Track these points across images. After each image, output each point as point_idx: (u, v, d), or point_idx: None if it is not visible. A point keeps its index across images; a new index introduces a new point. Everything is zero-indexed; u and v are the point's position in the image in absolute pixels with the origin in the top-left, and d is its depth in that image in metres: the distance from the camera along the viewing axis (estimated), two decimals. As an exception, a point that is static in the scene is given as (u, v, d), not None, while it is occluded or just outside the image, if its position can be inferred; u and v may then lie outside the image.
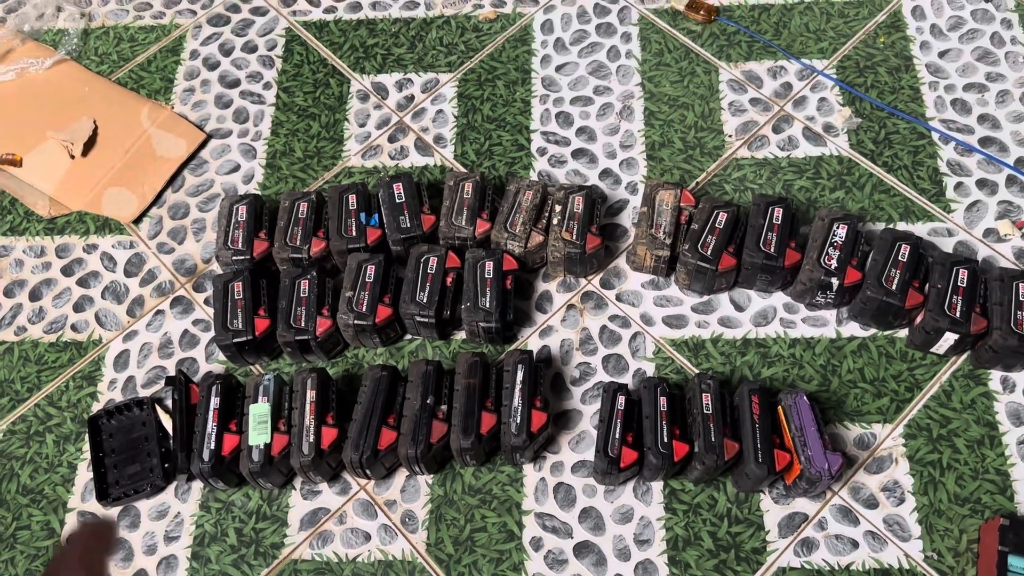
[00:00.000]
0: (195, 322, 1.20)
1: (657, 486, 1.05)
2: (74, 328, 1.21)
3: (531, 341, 1.16)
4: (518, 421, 1.02)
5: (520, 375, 1.05)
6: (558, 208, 1.16)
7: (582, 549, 1.03)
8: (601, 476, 1.03)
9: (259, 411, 1.05)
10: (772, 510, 1.03)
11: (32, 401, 1.16)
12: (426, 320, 1.11)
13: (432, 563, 1.03)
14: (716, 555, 1.01)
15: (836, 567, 1.00)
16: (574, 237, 1.14)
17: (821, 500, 1.03)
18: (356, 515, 1.06)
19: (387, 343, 1.16)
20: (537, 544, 1.03)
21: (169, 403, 1.13)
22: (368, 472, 1.05)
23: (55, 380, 1.18)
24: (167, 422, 1.11)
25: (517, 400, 1.03)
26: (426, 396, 1.05)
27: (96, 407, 1.15)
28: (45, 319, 1.22)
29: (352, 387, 1.13)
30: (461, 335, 1.17)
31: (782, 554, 1.01)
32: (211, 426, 1.05)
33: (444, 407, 1.05)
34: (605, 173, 1.28)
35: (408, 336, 1.18)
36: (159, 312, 1.21)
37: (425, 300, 1.11)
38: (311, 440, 1.03)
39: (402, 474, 1.08)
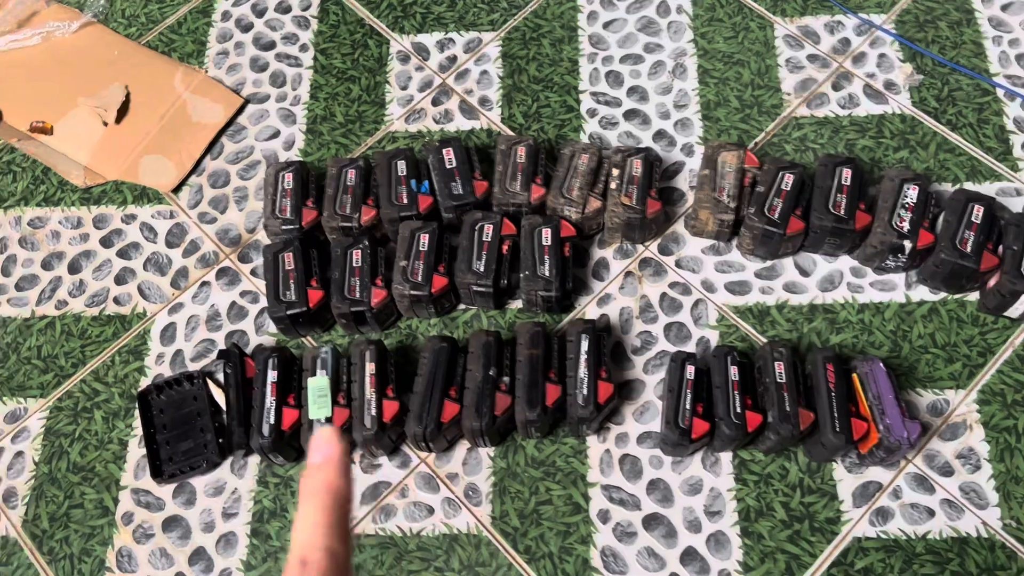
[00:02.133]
0: (243, 293, 1.17)
1: (726, 456, 1.03)
2: (117, 301, 1.18)
3: (589, 309, 1.13)
4: (585, 392, 0.99)
5: (584, 345, 1.02)
6: (615, 172, 1.12)
7: (651, 521, 1.00)
8: (671, 448, 1.00)
9: (318, 384, 1.02)
10: (845, 479, 1.01)
11: (77, 377, 1.14)
12: (484, 290, 1.08)
13: (498, 536, 1.01)
14: (790, 526, 0.99)
15: (913, 536, 0.98)
16: (634, 202, 1.10)
17: (895, 468, 1.01)
18: (418, 488, 1.04)
19: (441, 313, 1.13)
20: (605, 516, 1.01)
21: (220, 377, 1.10)
22: (431, 445, 1.03)
23: (100, 355, 1.15)
24: (219, 396, 1.09)
25: (583, 371, 1.01)
26: (488, 367, 1.02)
27: (144, 382, 1.12)
28: (86, 292, 1.19)
29: (406, 358, 1.10)
30: (516, 304, 1.14)
31: (857, 524, 0.99)
32: (270, 400, 1.02)
33: (506, 378, 1.02)
34: (659, 134, 1.24)
35: (461, 305, 1.14)
36: (204, 284, 1.18)
37: (482, 269, 1.08)
38: (373, 414, 1.00)
39: (463, 447, 1.06)
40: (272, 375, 1.03)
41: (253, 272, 1.18)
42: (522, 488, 1.03)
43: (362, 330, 1.12)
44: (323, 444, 0.42)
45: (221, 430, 1.07)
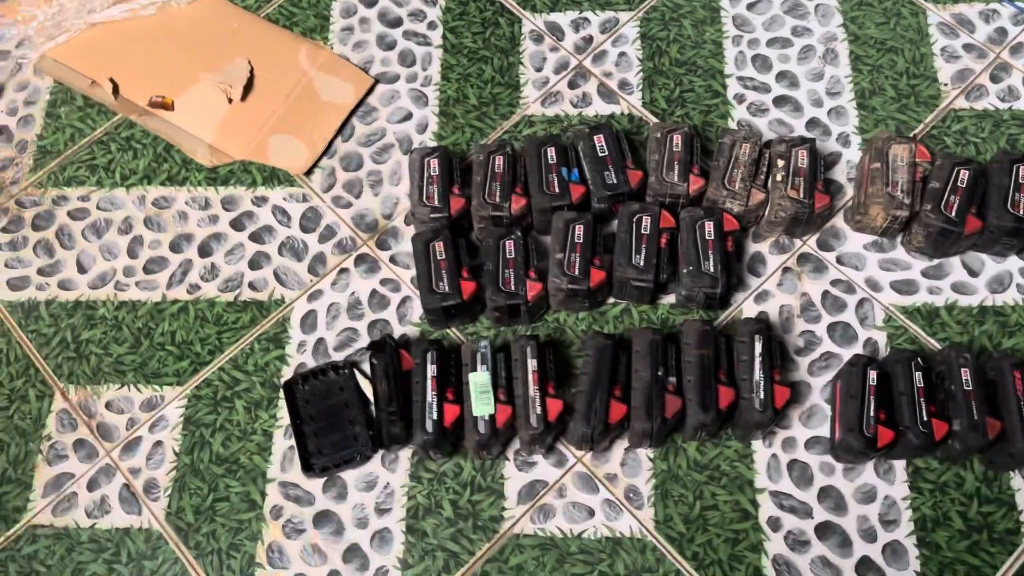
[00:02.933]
0: (383, 281, 1.13)
1: (900, 464, 0.99)
2: (252, 287, 1.15)
3: (746, 306, 1.09)
4: (762, 397, 0.96)
5: (759, 346, 0.98)
6: (780, 163, 1.08)
7: (824, 530, 0.97)
8: (852, 456, 0.97)
9: (481, 380, 0.99)
10: (1023, 489, 0.98)
11: (215, 364, 1.10)
12: (644, 285, 1.04)
13: (663, 542, 0.98)
14: (968, 536, 0.96)
15: (1099, 552, 0.94)
16: (801, 195, 1.06)
17: (1077, 480, 0.97)
18: (576, 489, 1.01)
19: (594, 307, 1.09)
20: (775, 524, 0.98)
21: (367, 367, 1.06)
22: (594, 446, 1.00)
23: (238, 342, 1.11)
24: (367, 387, 1.05)
25: (758, 373, 0.97)
26: (656, 367, 0.98)
27: (286, 371, 1.09)
28: (219, 276, 1.16)
29: (556, 353, 1.06)
30: (668, 299, 1.10)
31: (1039, 537, 0.96)
32: (431, 396, 0.98)
33: (672, 379, 0.99)
34: (812, 123, 1.19)
35: (611, 299, 1.10)
36: (343, 271, 1.14)
37: (643, 264, 1.04)
38: (539, 412, 0.97)
39: (619, 446, 1.03)
40: (432, 369, 1.00)
41: (392, 259, 1.14)
42: (685, 492, 1.00)
43: (513, 323, 1.09)
44: None
45: (370, 422, 1.04)
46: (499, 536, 0.99)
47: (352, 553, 1.00)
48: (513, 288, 1.04)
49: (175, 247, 1.18)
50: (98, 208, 1.21)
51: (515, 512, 1.00)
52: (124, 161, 1.24)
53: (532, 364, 0.99)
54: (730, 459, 1.01)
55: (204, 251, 1.17)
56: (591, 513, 1.00)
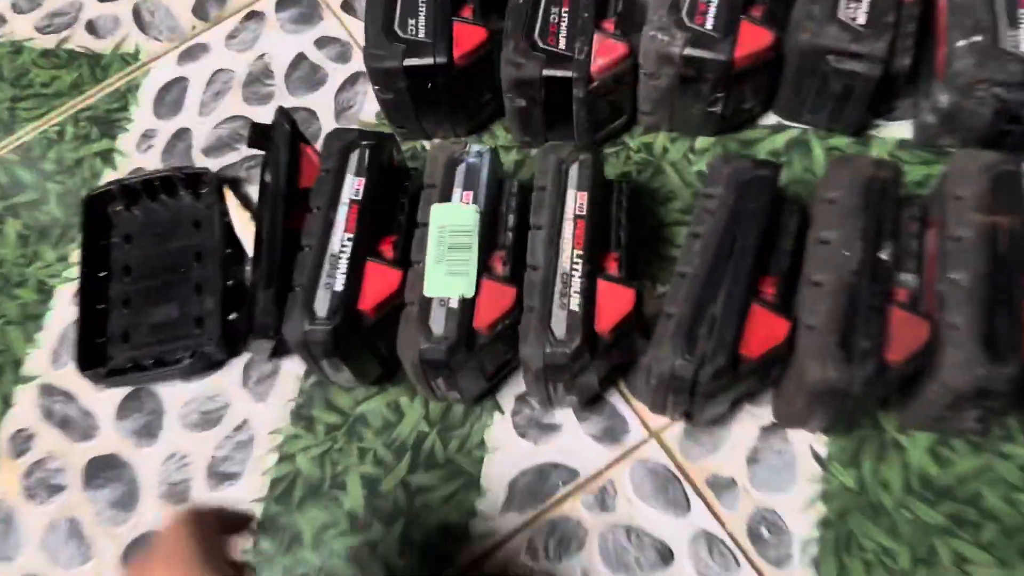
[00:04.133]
0: (321, 41, 0.60)
1: None
2: (92, 28, 0.65)
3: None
4: None
5: None
6: None
7: None
8: None
9: (457, 220, 0.43)
10: None
11: (-2, 152, 0.60)
12: (861, 70, 0.46)
13: (829, 654, 0.41)
14: None
15: None
16: None
17: None
18: (637, 495, 0.45)
19: (734, 120, 0.52)
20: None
21: (254, 191, 0.53)
22: (691, 409, 0.43)
23: (41, 119, 0.60)
24: (243, 225, 0.52)
25: None
26: (875, 242, 0.41)
27: (106, 178, 0.57)
28: (42, 7, 0.64)
29: (637, 207, 0.50)
30: (895, 131, 0.52)
31: None
32: (341, 239, 0.43)
33: (911, 277, 0.41)
34: None
35: (772, 119, 0.53)
36: (254, 15, 0.62)
37: (862, 23, 0.46)
38: (575, 308, 0.40)
39: (749, 416, 0.46)
40: (353, 186, 0.45)
41: (344, 6, 0.60)
42: (894, 545, 0.43)
43: (554, 135, 0.52)
44: None
45: (237, 293, 0.50)
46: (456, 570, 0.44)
47: (143, 548, 0.46)
48: (563, 46, 0.47)
49: (-16, -45, 0.67)
50: None
51: (496, 524, 0.45)
52: None
53: (577, 201, 0.43)
54: (1003, 480, 0.43)
55: (27, -39, 0.66)
56: (665, 556, 0.44)
